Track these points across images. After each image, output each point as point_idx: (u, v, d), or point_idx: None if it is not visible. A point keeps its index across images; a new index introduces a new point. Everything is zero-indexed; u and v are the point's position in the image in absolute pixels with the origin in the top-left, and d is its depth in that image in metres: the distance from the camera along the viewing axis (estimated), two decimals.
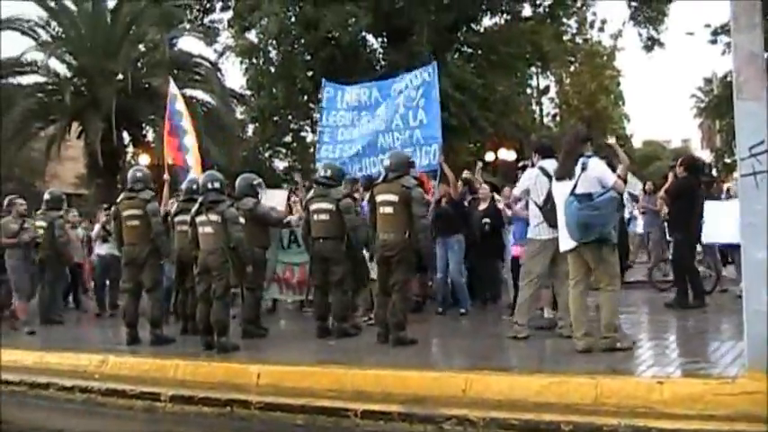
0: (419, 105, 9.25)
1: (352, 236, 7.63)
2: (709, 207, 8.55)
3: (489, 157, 24.76)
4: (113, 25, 21.66)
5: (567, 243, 6.09)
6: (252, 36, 22.21)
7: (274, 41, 21.11)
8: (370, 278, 8.09)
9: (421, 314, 9.03)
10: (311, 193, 8.08)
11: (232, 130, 22.67)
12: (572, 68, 32.72)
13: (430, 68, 9.42)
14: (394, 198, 6.98)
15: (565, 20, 24.66)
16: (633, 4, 22.75)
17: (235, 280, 7.57)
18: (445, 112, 16.45)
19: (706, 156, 33.60)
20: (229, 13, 23.48)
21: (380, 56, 22.14)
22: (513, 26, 22.73)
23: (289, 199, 10.47)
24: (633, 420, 4.51)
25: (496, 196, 9.48)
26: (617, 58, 34.65)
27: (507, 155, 23.82)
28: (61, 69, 21.58)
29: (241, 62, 22.82)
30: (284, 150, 28.82)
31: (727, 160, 32.63)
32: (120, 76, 20.61)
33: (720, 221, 8.24)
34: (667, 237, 11.28)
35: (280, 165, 29.46)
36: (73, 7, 21.67)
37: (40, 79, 21.19)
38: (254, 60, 22.41)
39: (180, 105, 10.94)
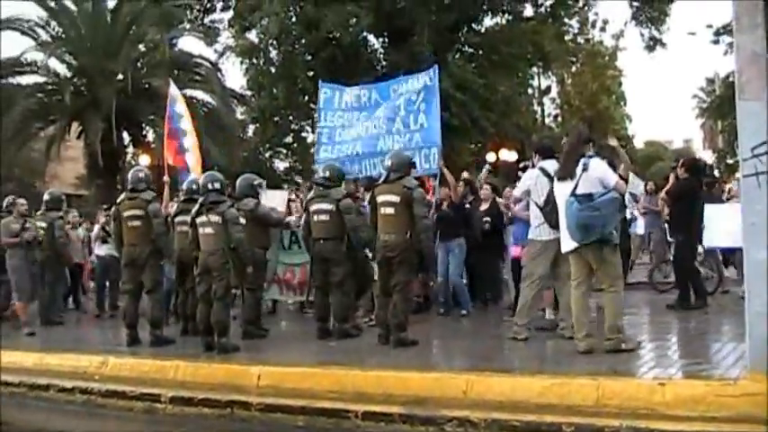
0: (420, 109, 9.25)
1: (353, 236, 7.61)
2: (710, 211, 8.50)
3: (490, 157, 24.72)
4: (113, 25, 21.66)
5: (568, 244, 6.07)
6: (252, 36, 22.24)
7: (275, 41, 21.12)
8: (374, 279, 8.07)
9: (422, 315, 9.02)
10: (311, 193, 8.08)
11: (232, 130, 22.67)
12: (573, 69, 32.69)
13: (431, 72, 9.42)
14: (395, 199, 6.96)
15: (566, 20, 24.67)
16: (635, 4, 22.75)
17: (235, 281, 7.57)
18: (446, 113, 16.48)
19: (708, 156, 33.60)
20: (230, 13, 23.53)
21: (381, 56, 22.14)
22: (515, 26, 22.72)
23: (289, 200, 10.45)
24: (635, 422, 4.50)
25: (498, 199, 9.47)
26: (618, 58, 34.66)
27: (508, 155, 23.77)
28: (61, 69, 21.64)
29: (241, 62, 22.85)
30: (285, 151, 28.83)
31: (730, 161, 32.64)
32: (121, 77, 20.62)
33: (721, 225, 8.22)
34: (668, 238, 11.26)
35: (280, 165, 29.50)
36: (73, 7, 21.67)
37: (40, 79, 21.21)
38: (255, 60, 22.42)
39: (180, 107, 10.91)
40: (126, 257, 8.08)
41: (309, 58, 21.31)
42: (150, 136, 22.63)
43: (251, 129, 27.06)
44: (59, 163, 23.14)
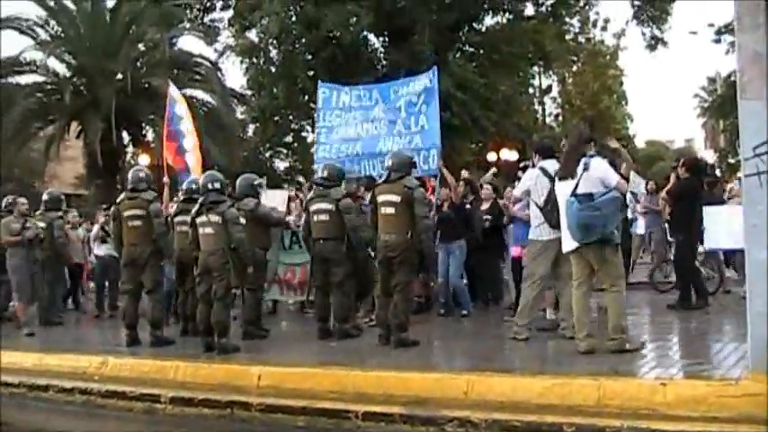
0: (421, 111, 9.29)
1: (353, 236, 7.60)
2: (709, 212, 8.47)
3: (491, 157, 24.73)
4: (113, 24, 21.64)
5: (569, 244, 6.05)
6: (252, 35, 22.26)
7: (275, 41, 21.13)
8: (375, 281, 8.04)
9: (423, 315, 9.00)
10: (311, 193, 8.08)
11: (232, 130, 22.66)
12: (574, 68, 32.67)
13: (430, 74, 9.44)
14: (396, 198, 6.94)
15: (567, 19, 24.69)
16: (636, 3, 22.76)
17: (235, 281, 7.54)
18: (447, 112, 16.51)
19: (709, 156, 33.56)
20: (230, 13, 23.54)
21: (382, 55, 22.15)
22: (516, 25, 22.73)
23: (289, 199, 10.44)
24: (636, 422, 4.48)
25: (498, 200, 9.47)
26: (620, 57, 34.60)
27: (509, 155, 23.78)
28: (60, 69, 21.65)
29: (241, 62, 22.86)
30: (285, 150, 28.84)
31: (731, 160, 32.62)
32: (120, 76, 20.62)
33: (721, 227, 8.19)
34: (668, 237, 11.24)
35: (280, 165, 29.50)
36: (72, 6, 21.67)
37: (39, 79, 21.22)
38: (255, 60, 22.43)
39: (180, 108, 10.87)
40: (126, 257, 8.05)
41: (310, 57, 21.31)
42: (150, 135, 22.64)
43: (251, 128, 27.08)
44: (59, 163, 23.15)
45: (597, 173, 5.93)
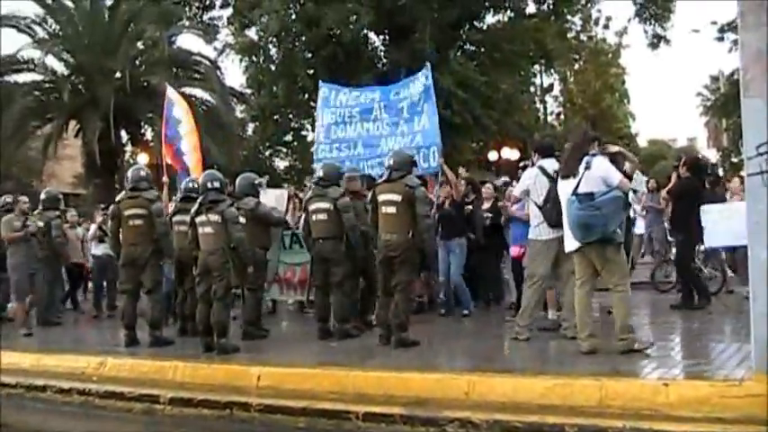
0: (422, 110, 9.27)
1: (351, 235, 7.59)
2: (706, 211, 8.41)
3: (492, 156, 24.72)
4: (111, 22, 21.59)
5: (571, 243, 6.02)
6: (252, 33, 22.22)
7: (275, 39, 21.09)
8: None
9: (423, 315, 8.98)
10: (309, 193, 8.07)
11: (232, 128, 22.59)
12: (576, 66, 32.68)
13: (425, 71, 9.44)
14: (397, 198, 6.91)
15: (569, 17, 24.66)
16: (638, 1, 22.67)
17: (235, 281, 7.51)
18: (448, 111, 16.46)
19: (712, 155, 33.44)
20: (229, 11, 23.48)
21: (382, 54, 22.12)
22: (517, 23, 22.68)
23: (289, 199, 10.41)
24: (638, 423, 4.46)
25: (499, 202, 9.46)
26: (622, 55, 34.63)
27: (510, 154, 23.79)
28: (59, 67, 21.54)
29: (241, 60, 22.81)
30: (285, 149, 28.79)
31: (734, 159, 32.54)
32: (119, 75, 20.49)
33: (720, 224, 8.15)
34: (668, 237, 11.21)
35: (280, 164, 29.46)
36: (70, 4, 21.60)
37: (38, 77, 21.13)
38: (255, 58, 22.39)
39: (178, 110, 10.77)
40: (125, 257, 7.99)
41: (310, 55, 21.27)
42: (149, 134, 22.55)
43: (251, 127, 27.04)
44: (57, 162, 23.13)
45: (599, 171, 5.89)
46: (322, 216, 7.66)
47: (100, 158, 19.51)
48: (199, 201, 7.36)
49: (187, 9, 23.71)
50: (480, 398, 5.17)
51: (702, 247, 9.37)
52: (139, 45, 22.41)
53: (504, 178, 10.53)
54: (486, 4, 22.13)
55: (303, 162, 25.65)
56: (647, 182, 13.18)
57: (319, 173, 8.02)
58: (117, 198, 8.39)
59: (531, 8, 23.29)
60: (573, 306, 6.21)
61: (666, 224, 11.30)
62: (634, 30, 55.80)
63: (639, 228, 13.56)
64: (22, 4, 25.10)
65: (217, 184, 7.35)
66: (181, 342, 8.00)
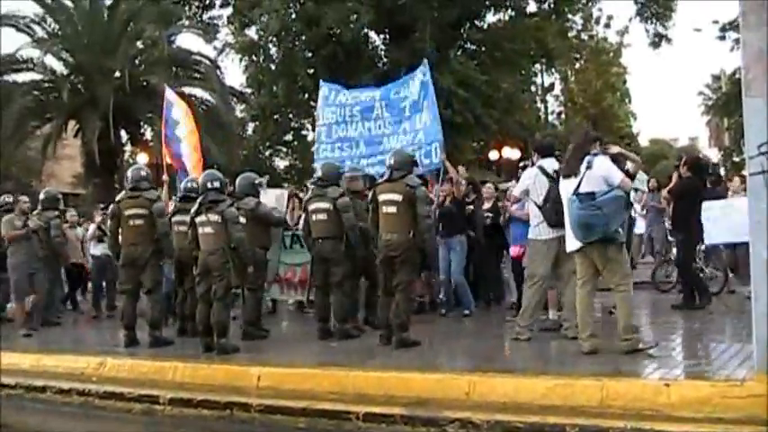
0: (423, 108, 9.27)
1: (351, 235, 7.58)
2: (706, 208, 8.41)
3: (493, 155, 24.70)
4: (111, 22, 21.55)
5: (573, 243, 6.00)
6: (252, 33, 22.22)
7: (275, 38, 21.08)
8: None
9: (424, 315, 8.97)
10: (309, 193, 8.06)
11: (232, 128, 22.56)
12: (577, 65, 32.66)
13: (423, 68, 9.44)
14: (398, 197, 6.89)
15: (570, 16, 24.67)
16: (640, 0, 22.65)
17: (236, 281, 7.49)
18: (449, 110, 16.43)
19: (714, 154, 33.47)
20: (229, 10, 23.48)
21: (382, 53, 22.12)
22: (518, 22, 22.68)
23: (289, 199, 10.40)
24: (640, 423, 4.45)
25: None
26: (623, 54, 34.58)
27: (511, 153, 23.76)
28: (58, 67, 21.50)
29: (241, 59, 22.81)
30: (285, 149, 28.77)
31: (736, 159, 32.51)
32: (118, 74, 20.43)
33: (720, 222, 8.15)
34: (668, 237, 11.19)
35: (280, 164, 29.43)
36: (69, 3, 21.55)
37: (37, 77, 21.10)
38: (255, 58, 22.39)
39: (177, 112, 10.74)
40: (125, 257, 7.96)
41: (310, 55, 21.26)
42: (148, 134, 22.52)
43: (251, 127, 27.01)
44: (56, 161, 23.09)
45: (600, 171, 5.87)
46: (322, 216, 7.64)
47: (99, 158, 19.49)
48: (199, 201, 7.35)
49: (187, 8, 23.71)
50: (481, 398, 5.15)
51: (703, 246, 9.37)
52: (139, 44, 22.37)
53: (509, 184, 10.50)
54: (487, 2, 22.13)
55: (303, 162, 25.64)
56: (648, 181, 13.19)
57: (318, 173, 8.02)
58: (117, 198, 8.35)
59: (531, 7, 23.32)
60: (574, 306, 6.20)
61: (667, 224, 11.30)
62: (635, 29, 55.54)
63: (640, 228, 13.55)
64: (21, 3, 25.06)
65: (217, 184, 7.33)
66: (181, 342, 7.98)
